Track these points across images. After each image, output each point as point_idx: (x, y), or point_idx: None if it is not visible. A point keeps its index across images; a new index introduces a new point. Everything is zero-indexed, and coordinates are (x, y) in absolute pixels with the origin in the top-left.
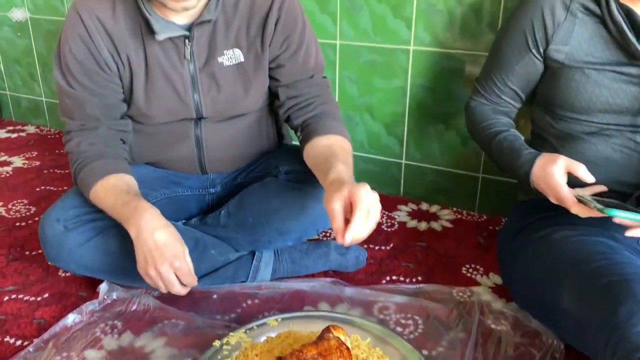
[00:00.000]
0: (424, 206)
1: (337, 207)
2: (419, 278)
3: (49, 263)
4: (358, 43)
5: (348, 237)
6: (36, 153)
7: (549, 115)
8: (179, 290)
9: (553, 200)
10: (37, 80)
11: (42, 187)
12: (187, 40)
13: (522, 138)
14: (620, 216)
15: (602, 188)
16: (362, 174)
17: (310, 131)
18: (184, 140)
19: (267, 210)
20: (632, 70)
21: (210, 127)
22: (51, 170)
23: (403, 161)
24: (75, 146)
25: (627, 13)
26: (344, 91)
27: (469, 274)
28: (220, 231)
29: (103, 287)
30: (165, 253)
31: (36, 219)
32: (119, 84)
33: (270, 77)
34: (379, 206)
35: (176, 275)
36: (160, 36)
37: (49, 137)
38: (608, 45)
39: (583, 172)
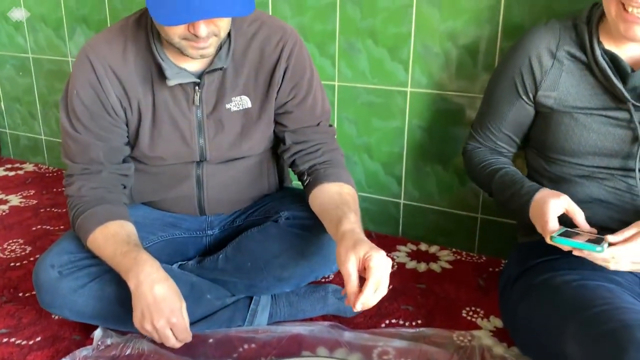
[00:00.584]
0: (423, 247)
1: (352, 269)
2: (419, 321)
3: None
4: (356, 84)
5: (359, 306)
6: (33, 191)
7: (542, 158)
8: (174, 344)
9: (539, 229)
10: (37, 118)
11: (39, 227)
12: (197, 87)
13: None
14: (561, 242)
15: (592, 230)
16: (361, 213)
17: (320, 176)
18: (185, 180)
19: (265, 256)
20: (619, 114)
21: (212, 168)
22: (48, 209)
23: (401, 201)
24: (76, 190)
25: (612, 58)
26: (342, 131)
27: (469, 317)
28: (218, 274)
29: (97, 334)
30: (163, 308)
31: (31, 259)
32: (124, 129)
33: (277, 123)
34: (388, 273)
35: (172, 330)
36: (172, 82)
37: (47, 175)
38: (595, 90)
39: (580, 219)
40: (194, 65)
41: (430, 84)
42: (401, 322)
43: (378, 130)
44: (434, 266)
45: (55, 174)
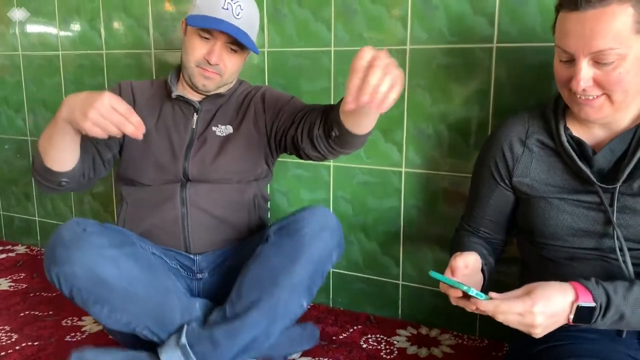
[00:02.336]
0: (424, 330)
1: (362, 64)
2: None
3: (50, 277)
4: (351, 165)
5: (365, 96)
6: (24, 275)
7: (530, 243)
8: (130, 128)
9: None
10: (32, 200)
11: (27, 312)
12: (195, 114)
13: (480, 250)
14: (440, 279)
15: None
16: (359, 294)
17: (326, 113)
18: (170, 200)
19: (271, 275)
20: (588, 197)
21: (195, 189)
22: (37, 294)
23: (400, 282)
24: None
25: (578, 143)
26: (338, 211)
27: None
28: (235, 321)
29: None
30: (96, 95)
31: (17, 347)
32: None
33: (287, 126)
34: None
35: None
36: (175, 93)
37: (39, 257)
38: (565, 175)
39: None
40: (197, 96)
41: (424, 164)
42: None
43: (374, 210)
44: (436, 351)
45: None
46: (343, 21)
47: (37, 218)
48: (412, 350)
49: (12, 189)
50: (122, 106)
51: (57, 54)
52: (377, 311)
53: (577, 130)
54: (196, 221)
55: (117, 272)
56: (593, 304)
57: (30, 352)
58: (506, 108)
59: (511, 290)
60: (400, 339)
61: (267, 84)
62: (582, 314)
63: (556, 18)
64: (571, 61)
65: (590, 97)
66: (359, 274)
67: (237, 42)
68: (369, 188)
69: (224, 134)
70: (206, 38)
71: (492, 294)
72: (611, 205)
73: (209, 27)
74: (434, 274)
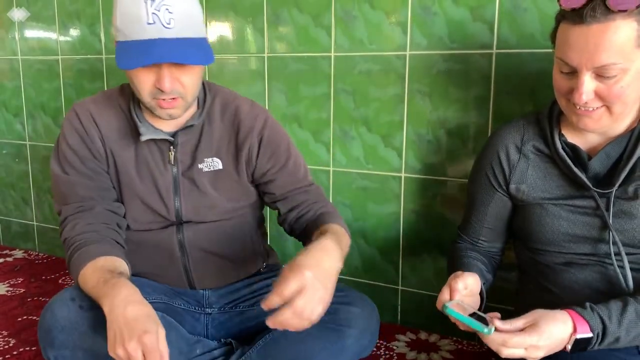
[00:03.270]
0: (423, 335)
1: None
2: None
3: (47, 357)
4: (351, 170)
5: (270, 321)
6: (21, 279)
7: (527, 249)
8: None
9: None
10: (30, 204)
11: (24, 317)
12: (171, 147)
13: (479, 267)
14: (454, 315)
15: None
16: None
17: (310, 227)
18: (168, 246)
19: (305, 354)
20: (584, 202)
21: (192, 231)
22: (35, 298)
23: (399, 287)
24: (70, 230)
25: (573, 150)
26: None
27: None
28: None
29: None
30: (135, 328)
31: (14, 352)
32: (108, 175)
33: (265, 193)
34: (314, 308)
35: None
36: (144, 137)
37: (37, 262)
38: (560, 181)
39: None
40: (169, 127)
41: (423, 169)
42: None
43: (373, 215)
44: (435, 357)
45: (45, 260)
46: (343, 27)
47: (35, 222)
48: (411, 355)
49: (10, 194)
50: (155, 357)
51: (56, 59)
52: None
53: (572, 136)
54: (198, 263)
55: None
56: (590, 335)
57: (28, 357)
58: (505, 114)
59: (507, 295)
60: (400, 345)
61: (266, 89)
62: (580, 344)
63: (556, 28)
64: (572, 73)
65: (590, 109)
66: (359, 279)
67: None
68: (368, 193)
69: (212, 169)
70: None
71: (497, 324)
72: (607, 209)
73: (137, 67)
74: (449, 311)
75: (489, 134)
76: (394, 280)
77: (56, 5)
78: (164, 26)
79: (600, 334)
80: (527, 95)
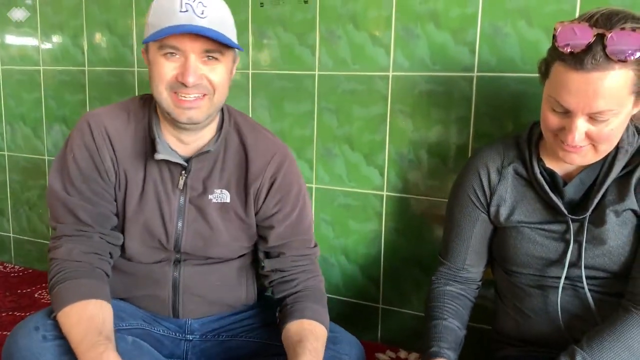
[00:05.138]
0: (402, 354)
1: None
2: None
3: None
4: (333, 187)
5: None
6: None
7: (504, 271)
8: None
9: None
10: (7, 215)
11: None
12: (183, 172)
13: (455, 331)
14: None
15: None
16: (339, 317)
17: (287, 313)
18: (161, 282)
19: None
20: (557, 227)
21: (189, 271)
22: (10, 313)
23: (380, 305)
24: (65, 253)
25: (551, 175)
26: (319, 232)
27: None
28: None
29: None
30: None
31: None
32: (113, 194)
33: (261, 238)
34: None
35: None
36: (160, 156)
37: (12, 275)
38: (537, 205)
39: None
40: (185, 150)
41: (405, 187)
42: None
43: (355, 232)
44: None
45: (21, 273)
46: (327, 46)
47: (11, 234)
48: None
49: None
50: None
51: (37, 69)
52: (357, 334)
53: (549, 161)
54: (188, 302)
55: None
56: None
57: None
58: (486, 135)
59: (485, 314)
60: None
61: (250, 104)
62: None
63: (548, 64)
64: (564, 112)
65: (578, 146)
66: (339, 297)
67: (215, 47)
68: (350, 211)
69: (220, 201)
70: (172, 53)
71: None
72: (580, 235)
73: (167, 35)
74: None
75: (469, 155)
76: (374, 298)
77: (39, 15)
78: (197, 15)
79: None
80: (507, 117)
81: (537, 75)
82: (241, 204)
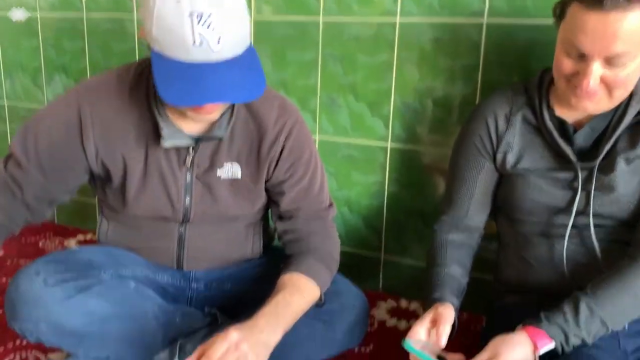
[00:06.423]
0: (404, 303)
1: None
2: None
3: (12, 327)
4: (337, 139)
5: None
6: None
7: (508, 220)
8: None
9: None
10: None
11: (3, 279)
12: (190, 149)
13: (457, 279)
14: (414, 353)
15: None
16: (340, 267)
17: (285, 266)
18: (166, 237)
19: (291, 343)
20: (566, 175)
21: (195, 228)
22: (15, 260)
23: (382, 255)
24: None
25: (560, 122)
26: None
27: None
28: None
29: None
30: None
31: None
32: (78, 178)
33: (272, 202)
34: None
35: None
36: (167, 144)
37: None
38: (544, 153)
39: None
40: (193, 128)
41: (409, 139)
42: None
43: (358, 184)
44: None
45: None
46: None
47: None
48: (391, 322)
49: None
50: None
51: (35, 16)
52: (358, 284)
53: (559, 109)
54: (193, 255)
55: (86, 319)
56: (552, 345)
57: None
58: (494, 84)
59: (487, 265)
60: (380, 312)
61: None
62: (545, 355)
63: (565, 7)
64: (580, 57)
65: (592, 92)
66: (341, 248)
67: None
68: (353, 162)
69: (230, 177)
70: None
71: None
72: (589, 182)
73: (193, 105)
74: (407, 346)
75: (477, 103)
76: (376, 249)
77: None
78: (211, 49)
79: (563, 340)
80: (516, 66)
81: (549, 22)
82: (252, 176)
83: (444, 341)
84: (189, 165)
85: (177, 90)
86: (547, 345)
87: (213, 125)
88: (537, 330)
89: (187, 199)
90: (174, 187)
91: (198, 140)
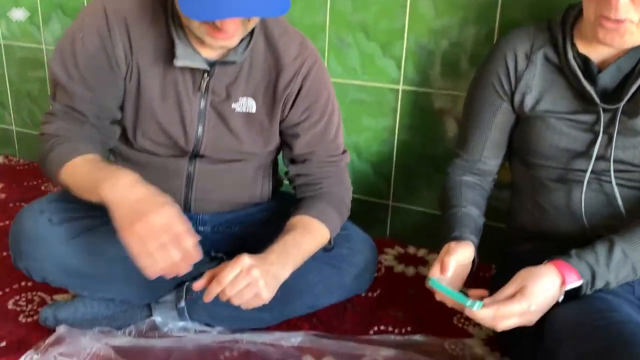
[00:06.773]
0: (411, 250)
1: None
2: (409, 328)
3: (18, 266)
4: (346, 81)
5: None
6: (2, 185)
7: (524, 165)
8: (180, 265)
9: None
10: (9, 108)
11: (6, 222)
12: (205, 74)
13: (474, 218)
14: (441, 289)
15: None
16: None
17: (295, 209)
18: (175, 177)
19: (301, 286)
20: (587, 117)
21: (204, 167)
22: (17, 204)
23: (390, 202)
24: (53, 129)
25: (584, 61)
26: None
27: (460, 324)
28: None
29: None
30: (152, 202)
31: None
32: (122, 87)
33: (285, 145)
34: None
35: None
36: (179, 62)
37: (18, 167)
38: (566, 94)
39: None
40: (210, 53)
41: (423, 81)
42: (390, 329)
43: (368, 129)
44: (423, 270)
45: (26, 166)
46: None
47: (14, 127)
48: (399, 268)
49: None
50: (188, 244)
51: None
52: (365, 230)
53: (584, 47)
54: (201, 195)
55: (91, 259)
56: (580, 282)
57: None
58: (514, 23)
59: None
60: (388, 258)
61: None
62: (570, 292)
63: None
64: None
65: (620, 20)
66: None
67: None
68: (363, 106)
69: (244, 111)
70: None
71: (485, 300)
72: (612, 125)
73: (211, 20)
74: (433, 283)
75: (495, 39)
76: (384, 196)
77: None
78: None
79: (590, 280)
80: (538, 4)
81: None
82: (267, 113)
83: (449, 274)
84: (203, 91)
85: (196, 3)
86: (575, 282)
87: (229, 51)
88: (566, 264)
89: (200, 128)
90: (189, 113)
91: (213, 65)
